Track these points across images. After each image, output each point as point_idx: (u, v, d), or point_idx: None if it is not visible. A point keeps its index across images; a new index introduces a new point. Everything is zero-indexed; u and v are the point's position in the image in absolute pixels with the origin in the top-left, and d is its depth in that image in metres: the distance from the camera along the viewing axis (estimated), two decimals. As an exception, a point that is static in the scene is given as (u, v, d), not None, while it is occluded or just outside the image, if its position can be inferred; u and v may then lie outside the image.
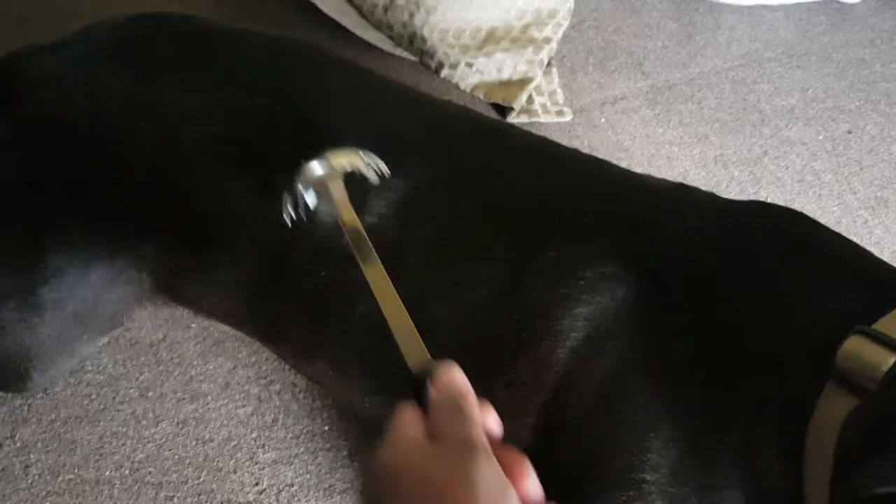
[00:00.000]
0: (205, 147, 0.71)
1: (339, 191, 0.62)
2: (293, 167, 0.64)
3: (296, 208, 0.64)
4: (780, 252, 0.64)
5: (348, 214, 0.60)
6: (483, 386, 0.46)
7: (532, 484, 0.42)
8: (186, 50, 0.77)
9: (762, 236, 0.66)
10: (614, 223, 0.67)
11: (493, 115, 1.37)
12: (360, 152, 0.66)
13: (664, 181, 0.75)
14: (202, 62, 0.76)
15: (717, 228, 0.67)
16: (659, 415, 0.58)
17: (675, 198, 0.71)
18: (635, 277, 0.62)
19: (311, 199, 0.64)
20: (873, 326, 0.53)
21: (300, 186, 0.64)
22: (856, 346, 0.52)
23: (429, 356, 0.48)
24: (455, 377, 0.45)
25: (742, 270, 0.63)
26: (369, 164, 0.66)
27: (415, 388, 0.46)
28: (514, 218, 0.67)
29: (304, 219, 0.64)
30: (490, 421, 0.45)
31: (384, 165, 0.66)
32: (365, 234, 0.57)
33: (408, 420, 0.44)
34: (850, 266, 0.63)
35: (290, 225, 0.64)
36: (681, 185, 0.73)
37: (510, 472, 0.41)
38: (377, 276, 0.53)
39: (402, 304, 0.51)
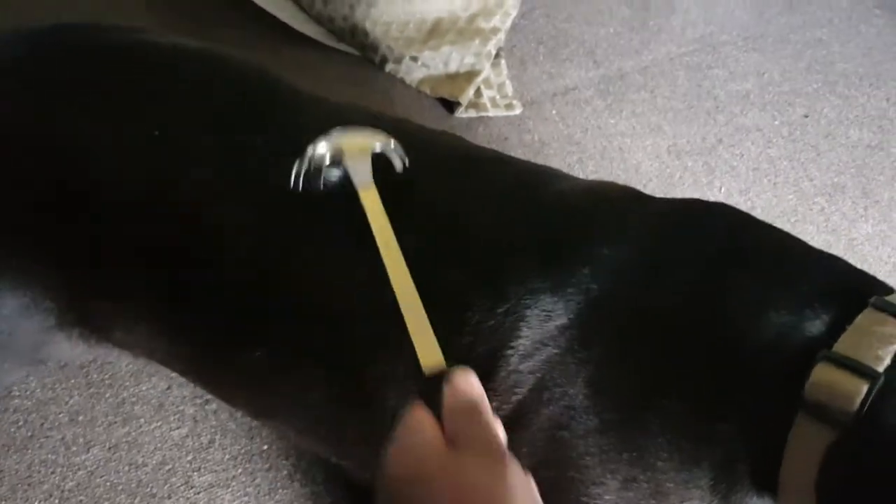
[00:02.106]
0: (120, 178, 0.66)
1: (365, 166, 0.59)
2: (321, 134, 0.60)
3: (308, 171, 0.59)
4: (722, 265, 0.59)
5: (374, 198, 0.57)
6: None
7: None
8: (90, 71, 0.72)
9: (698, 246, 0.61)
10: (537, 258, 0.62)
11: (440, 110, 1.33)
12: (391, 138, 0.62)
13: (582, 189, 0.69)
14: (106, 86, 0.71)
15: (646, 238, 0.62)
16: (615, 456, 0.55)
17: (596, 206, 0.66)
18: (569, 308, 0.58)
19: (334, 173, 0.60)
20: (836, 347, 0.50)
21: (324, 147, 0.60)
22: (826, 376, 0.49)
23: (443, 359, 0.47)
24: (474, 382, 0.45)
25: (680, 290, 0.58)
26: (396, 151, 0.62)
27: (427, 390, 0.45)
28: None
29: (311, 185, 0.59)
30: (500, 430, 0.45)
31: (406, 157, 0.63)
32: (389, 223, 0.55)
33: (420, 423, 0.43)
34: (802, 272, 0.58)
35: (298, 188, 0.59)
36: (597, 183, 0.69)
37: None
38: (395, 264, 0.52)
39: (420, 301, 0.50)
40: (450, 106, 1.34)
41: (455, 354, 0.57)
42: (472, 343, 0.57)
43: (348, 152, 0.60)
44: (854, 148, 1.43)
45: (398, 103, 1.33)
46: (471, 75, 1.34)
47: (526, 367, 0.57)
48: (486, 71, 1.35)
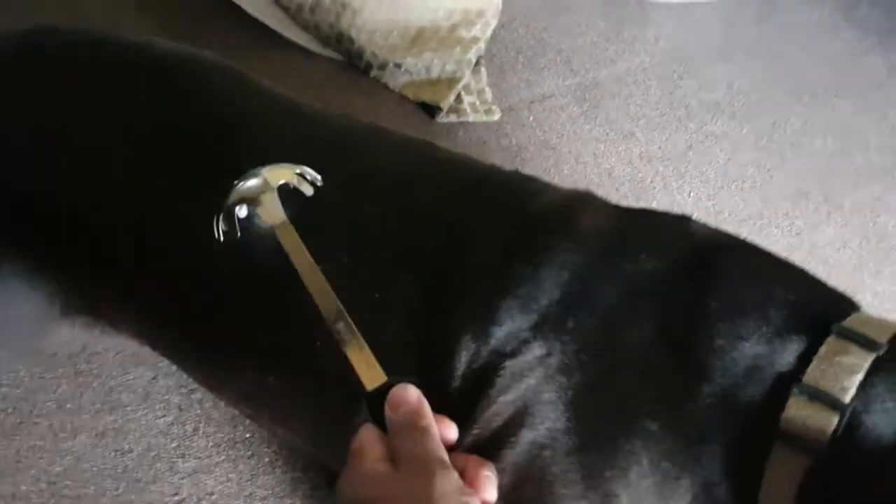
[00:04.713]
0: (116, 161, 0.69)
1: (272, 201, 0.62)
2: (223, 186, 0.63)
3: (229, 222, 0.62)
4: (694, 291, 0.59)
5: (282, 223, 0.60)
6: None
7: (492, 491, 0.45)
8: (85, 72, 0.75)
9: (670, 270, 0.61)
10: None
11: (422, 115, 1.38)
12: (293, 166, 0.65)
13: (559, 203, 0.69)
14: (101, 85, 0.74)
15: (615, 258, 0.62)
16: (597, 473, 0.56)
17: (565, 221, 0.66)
18: (546, 337, 0.58)
19: (243, 212, 0.62)
20: (806, 379, 0.53)
21: (233, 201, 0.63)
22: (799, 410, 0.51)
23: (384, 375, 0.49)
24: (408, 395, 0.47)
25: (654, 318, 0.59)
26: (303, 177, 0.65)
27: (372, 407, 0.48)
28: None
29: (237, 233, 0.62)
30: (446, 430, 0.48)
31: (317, 176, 0.65)
32: (302, 244, 0.58)
33: (368, 444, 0.46)
34: (768, 300, 0.59)
35: (220, 239, 0.62)
36: (574, 196, 0.71)
37: (471, 481, 0.43)
38: (321, 292, 0.54)
39: (352, 322, 0.52)
40: (431, 111, 1.38)
41: (438, 393, 0.57)
42: (458, 389, 0.58)
43: (256, 194, 0.63)
44: (818, 156, 1.49)
45: (382, 107, 1.38)
46: (452, 82, 1.39)
47: (504, 399, 0.58)
48: (467, 78, 1.40)
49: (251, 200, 0.62)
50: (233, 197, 0.63)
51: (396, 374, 0.52)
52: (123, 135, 0.70)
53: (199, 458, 0.97)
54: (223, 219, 0.62)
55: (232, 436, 0.99)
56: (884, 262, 1.36)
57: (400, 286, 0.61)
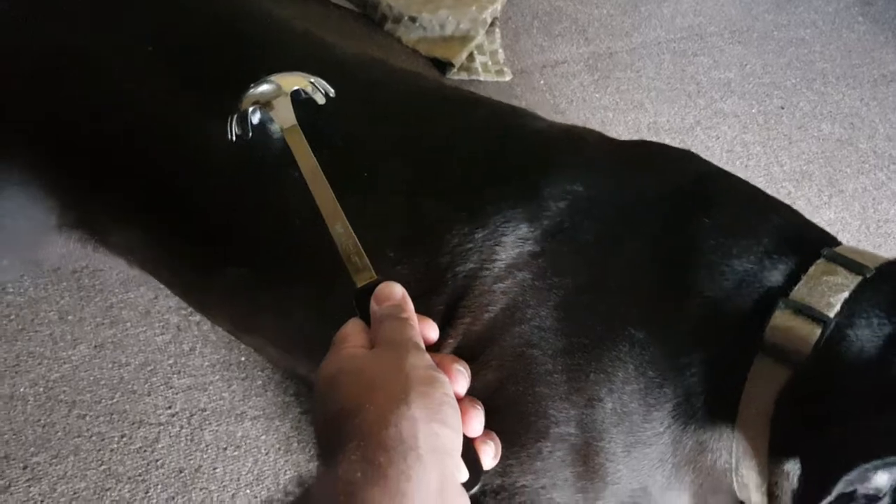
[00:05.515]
0: (131, 69, 0.70)
1: (284, 104, 0.64)
2: (239, 88, 0.65)
3: (242, 124, 0.64)
4: (689, 209, 0.62)
5: (293, 127, 0.62)
6: None
7: (462, 383, 0.47)
8: None
9: (667, 189, 0.64)
10: (517, 177, 0.65)
11: (433, 71, 1.40)
12: (306, 75, 0.66)
13: (560, 129, 0.72)
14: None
15: (618, 176, 0.65)
16: (581, 375, 0.58)
17: (572, 145, 0.69)
18: (544, 237, 0.61)
19: (256, 117, 0.64)
20: (793, 295, 0.55)
21: (246, 103, 0.64)
22: (783, 322, 0.53)
23: (374, 274, 0.51)
24: (394, 291, 0.50)
25: (649, 230, 0.61)
26: (315, 86, 0.66)
27: (360, 303, 0.50)
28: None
29: (249, 135, 0.64)
30: (427, 330, 0.50)
31: (330, 88, 0.66)
32: (310, 149, 0.59)
33: (351, 332, 0.48)
34: (761, 220, 0.62)
35: (233, 140, 0.64)
36: (574, 126, 0.73)
37: (442, 370, 0.45)
38: (323, 194, 0.56)
39: (347, 222, 0.54)
40: (442, 67, 1.40)
41: (434, 274, 0.62)
42: (450, 262, 0.61)
43: (269, 99, 0.65)
44: (825, 140, 1.50)
45: (393, 61, 1.38)
46: (465, 40, 1.41)
47: (499, 287, 0.60)
48: (480, 37, 1.42)
49: (264, 104, 0.64)
50: (246, 100, 0.65)
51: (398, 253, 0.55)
52: (127, 42, 0.71)
53: (194, 375, 0.99)
54: (236, 121, 0.64)
55: (227, 358, 1.01)
56: (882, 246, 1.37)
57: (393, 165, 0.64)
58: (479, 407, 0.47)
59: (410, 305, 0.50)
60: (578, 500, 0.60)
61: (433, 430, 0.41)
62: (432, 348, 0.50)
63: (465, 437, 0.44)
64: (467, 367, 0.49)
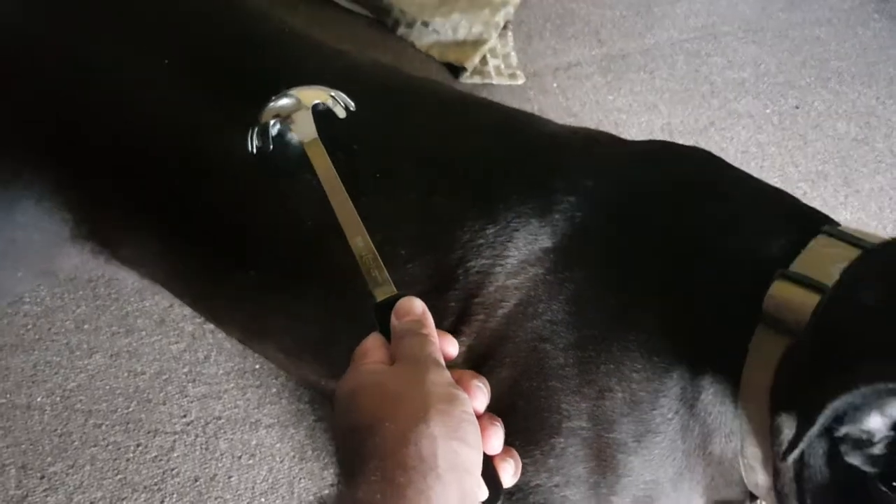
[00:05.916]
0: (149, 86, 0.70)
1: (305, 118, 0.64)
2: (260, 102, 0.65)
3: (263, 137, 0.64)
4: (693, 195, 0.64)
5: (314, 140, 0.62)
6: None
7: (481, 399, 0.46)
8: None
9: (673, 180, 0.66)
10: (527, 180, 0.66)
11: (447, 75, 1.39)
12: (327, 88, 0.67)
13: (570, 130, 0.75)
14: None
15: (626, 172, 0.67)
16: (593, 367, 0.59)
17: (582, 144, 0.71)
18: (555, 232, 0.62)
19: (275, 129, 0.64)
20: (792, 267, 0.55)
21: (267, 117, 0.64)
22: (781, 291, 0.54)
23: (394, 289, 0.51)
24: (414, 306, 0.49)
25: (655, 218, 0.63)
26: (336, 99, 0.66)
27: (380, 318, 0.50)
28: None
29: (270, 147, 0.64)
30: (447, 345, 0.50)
31: (350, 101, 0.67)
32: (330, 163, 0.59)
33: (371, 347, 0.48)
34: (763, 205, 0.64)
35: (254, 153, 0.64)
36: (583, 128, 0.74)
37: (463, 388, 0.45)
38: (344, 207, 0.56)
39: (368, 236, 0.54)
40: (456, 71, 1.39)
41: (446, 270, 0.63)
42: (462, 258, 0.62)
43: (290, 112, 0.65)
44: (840, 140, 1.48)
45: (407, 66, 1.38)
46: (478, 44, 1.40)
47: (512, 283, 0.61)
48: (493, 41, 1.41)
49: (285, 118, 0.64)
50: (267, 113, 0.65)
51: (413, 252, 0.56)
52: (143, 55, 0.71)
53: (209, 384, 0.99)
54: (257, 134, 0.64)
55: (242, 366, 1.01)
56: (900, 247, 1.35)
57: (406, 166, 0.66)
58: (498, 424, 0.47)
59: (431, 321, 0.49)
60: (592, 496, 0.60)
61: (453, 449, 0.40)
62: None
63: (484, 454, 0.44)
64: (486, 383, 0.49)
